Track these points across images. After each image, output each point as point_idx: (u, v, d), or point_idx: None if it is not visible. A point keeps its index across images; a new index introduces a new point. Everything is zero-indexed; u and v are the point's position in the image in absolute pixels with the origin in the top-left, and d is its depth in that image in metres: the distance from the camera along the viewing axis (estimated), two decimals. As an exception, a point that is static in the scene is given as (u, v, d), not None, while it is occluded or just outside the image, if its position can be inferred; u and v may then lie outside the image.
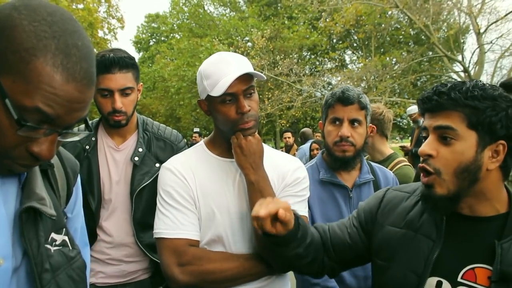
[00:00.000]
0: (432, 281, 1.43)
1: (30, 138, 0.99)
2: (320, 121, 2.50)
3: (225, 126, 1.81)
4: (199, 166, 1.88)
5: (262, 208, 1.46)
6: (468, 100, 1.33)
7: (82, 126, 2.40)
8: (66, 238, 1.24)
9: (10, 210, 1.10)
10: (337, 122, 2.31)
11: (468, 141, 1.34)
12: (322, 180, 2.36)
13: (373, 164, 2.59)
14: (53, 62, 0.93)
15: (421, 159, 1.43)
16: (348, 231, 1.74)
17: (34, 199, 1.12)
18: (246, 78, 1.73)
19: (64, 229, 1.25)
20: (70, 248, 1.25)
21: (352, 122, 2.29)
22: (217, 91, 1.70)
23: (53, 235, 1.19)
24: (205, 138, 2.04)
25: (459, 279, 1.38)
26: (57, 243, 1.20)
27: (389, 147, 3.47)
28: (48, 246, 1.16)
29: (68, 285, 1.18)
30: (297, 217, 1.61)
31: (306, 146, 8.76)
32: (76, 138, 1.12)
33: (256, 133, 1.84)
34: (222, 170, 1.88)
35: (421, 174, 1.45)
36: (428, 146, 1.40)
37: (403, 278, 1.48)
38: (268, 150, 2.00)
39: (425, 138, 1.44)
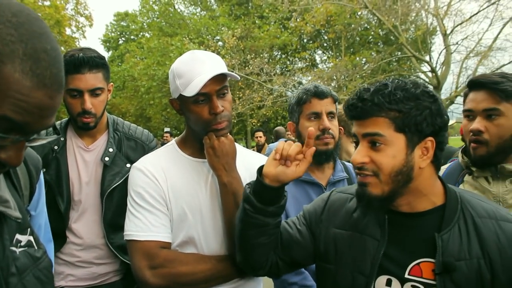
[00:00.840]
0: (382, 280, 1.46)
1: None
2: (290, 122, 2.50)
3: (198, 126, 1.80)
4: (171, 166, 1.85)
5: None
6: (392, 104, 1.35)
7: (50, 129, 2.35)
8: (31, 238, 1.20)
9: None
10: (315, 116, 2.33)
11: (397, 145, 1.37)
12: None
13: (346, 163, 2.62)
14: (21, 68, 0.87)
15: (356, 167, 1.46)
16: (297, 227, 1.72)
17: None
18: (219, 78, 1.72)
19: (28, 229, 1.21)
20: (36, 248, 1.21)
21: (329, 115, 2.34)
22: (190, 91, 1.68)
23: (17, 236, 1.15)
24: (177, 137, 2.01)
25: (406, 276, 1.42)
26: (22, 244, 1.16)
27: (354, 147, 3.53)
28: (13, 249, 1.12)
29: (35, 287, 1.15)
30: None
31: (275, 145, 8.73)
32: (43, 142, 1.07)
33: (228, 133, 1.83)
34: (194, 170, 1.86)
35: (357, 175, 1.47)
36: (359, 154, 1.42)
37: (351, 280, 1.50)
38: (240, 150, 2.00)
39: (356, 143, 1.46)
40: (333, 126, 2.35)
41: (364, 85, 1.44)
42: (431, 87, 1.46)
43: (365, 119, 1.40)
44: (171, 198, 1.80)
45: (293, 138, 4.69)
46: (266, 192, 1.56)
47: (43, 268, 1.20)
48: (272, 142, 9.80)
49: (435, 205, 1.46)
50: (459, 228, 1.40)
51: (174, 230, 1.80)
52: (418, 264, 1.41)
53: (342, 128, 2.63)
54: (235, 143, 1.91)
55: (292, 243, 1.69)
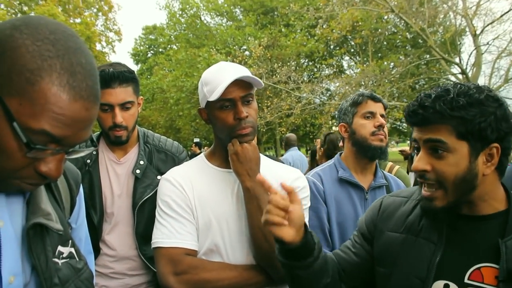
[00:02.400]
0: (439, 285, 1.41)
1: (38, 159, 0.98)
2: (342, 123, 2.59)
3: (223, 132, 1.82)
4: (198, 176, 1.88)
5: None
6: (455, 111, 1.30)
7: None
8: (72, 250, 1.24)
9: (17, 226, 1.10)
10: (370, 116, 2.46)
11: (460, 152, 1.33)
12: (341, 178, 2.45)
13: (384, 171, 2.68)
14: (59, 82, 0.91)
15: (417, 174, 1.42)
16: (352, 250, 1.71)
17: (40, 214, 1.12)
18: (244, 85, 1.75)
19: (70, 241, 1.25)
20: (77, 259, 1.25)
21: (382, 117, 2.48)
22: (214, 95, 1.72)
23: (59, 248, 1.19)
24: (206, 151, 2.05)
25: (466, 280, 1.37)
26: (64, 255, 1.20)
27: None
28: (56, 260, 1.16)
29: None
30: (311, 233, 1.53)
31: (290, 155, 7.92)
32: (82, 154, 1.11)
33: (254, 141, 1.85)
34: (221, 180, 1.88)
35: (422, 188, 1.43)
36: (421, 161, 1.39)
37: (407, 283, 1.46)
38: (267, 160, 2.01)
39: (417, 149, 1.43)
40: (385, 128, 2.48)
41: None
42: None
43: (426, 126, 1.36)
44: (197, 207, 1.82)
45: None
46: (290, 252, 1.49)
47: (84, 279, 1.24)
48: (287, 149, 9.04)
49: (497, 210, 1.41)
50: None
51: (200, 238, 1.82)
52: (479, 268, 1.36)
53: None
54: (262, 154, 1.92)
55: (353, 268, 1.69)
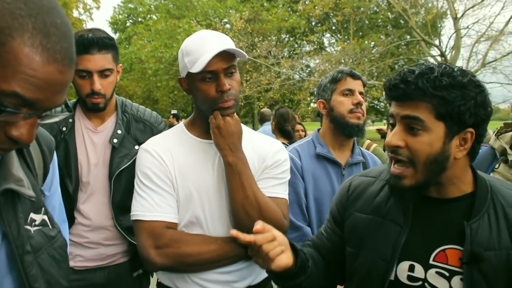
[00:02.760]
0: (404, 266, 1.43)
1: (9, 122, 0.93)
2: (320, 100, 2.58)
3: (204, 104, 1.79)
4: (178, 147, 1.86)
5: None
6: (437, 91, 1.29)
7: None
8: (45, 217, 1.22)
9: None
10: (349, 93, 2.46)
11: (436, 132, 1.32)
12: (319, 154, 2.46)
13: (361, 148, 2.70)
14: (31, 42, 0.86)
15: (389, 149, 1.40)
16: (325, 236, 1.73)
17: (11, 180, 1.09)
18: (227, 56, 1.71)
19: (43, 208, 1.22)
20: (50, 227, 1.22)
21: (360, 94, 2.48)
22: (196, 68, 1.68)
23: (32, 215, 1.16)
24: (185, 119, 2.01)
25: (430, 262, 1.39)
26: (37, 223, 1.18)
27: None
28: (28, 227, 1.14)
29: (50, 265, 1.17)
30: (296, 250, 1.56)
31: (263, 129, 7.90)
32: (56, 119, 1.07)
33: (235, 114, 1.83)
34: (201, 151, 1.86)
35: (391, 164, 1.42)
36: (395, 136, 1.37)
37: (372, 264, 1.48)
38: (249, 132, 2.00)
39: (392, 125, 1.41)
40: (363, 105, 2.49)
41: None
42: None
43: (406, 101, 1.35)
44: (178, 179, 1.80)
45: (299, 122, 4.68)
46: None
47: (57, 247, 1.22)
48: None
49: (464, 192, 1.42)
50: (488, 217, 1.35)
51: (181, 210, 1.81)
52: (443, 250, 1.38)
53: None
54: (243, 125, 1.90)
55: (328, 253, 1.71)
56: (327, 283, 1.73)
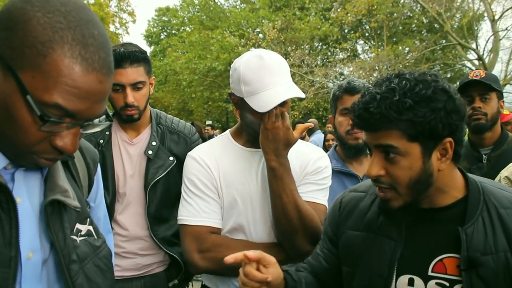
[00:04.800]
0: (403, 280, 1.39)
1: (53, 133, 0.98)
2: (330, 116, 2.57)
3: (249, 128, 1.86)
4: (223, 155, 1.91)
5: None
6: (403, 115, 1.23)
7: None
8: (90, 227, 1.25)
9: (35, 203, 1.11)
10: (346, 112, 2.37)
11: (412, 154, 1.27)
12: (333, 169, 2.36)
13: None
14: (71, 53, 0.90)
15: (372, 179, 1.37)
16: (322, 256, 1.67)
17: (57, 191, 1.12)
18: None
19: (88, 219, 1.26)
20: (95, 237, 1.26)
21: None
22: (258, 107, 1.72)
23: (78, 225, 1.20)
24: (231, 128, 2.06)
25: (429, 273, 1.35)
26: (82, 233, 1.21)
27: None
28: (74, 237, 1.17)
29: (96, 274, 1.20)
30: (285, 276, 1.54)
31: (318, 138, 8.40)
32: (98, 129, 1.11)
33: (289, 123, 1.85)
34: (246, 159, 1.90)
35: (376, 189, 1.39)
36: (375, 167, 1.33)
37: (369, 282, 1.44)
38: None
39: (370, 150, 1.37)
40: None
41: (370, 87, 1.31)
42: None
43: (375, 131, 1.30)
44: (223, 186, 1.86)
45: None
46: None
47: (102, 256, 1.25)
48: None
49: (456, 198, 1.37)
50: (483, 220, 1.31)
51: (225, 217, 1.86)
52: (441, 260, 1.34)
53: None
54: None
55: (325, 274, 1.65)
56: None
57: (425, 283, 1.36)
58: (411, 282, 1.38)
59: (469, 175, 1.43)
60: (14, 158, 1.03)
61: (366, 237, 1.49)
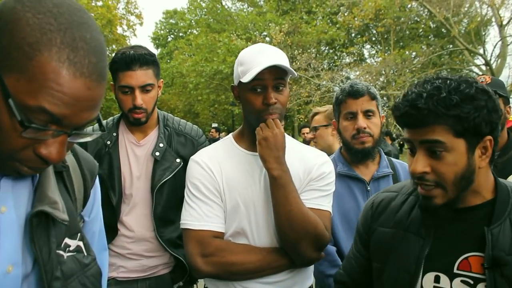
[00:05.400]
0: (430, 277, 1.41)
1: (37, 140, 0.91)
2: (334, 120, 2.52)
3: (250, 115, 1.84)
4: (226, 159, 1.90)
5: None
6: (450, 110, 1.26)
7: (97, 125, 2.44)
8: (81, 243, 1.17)
9: (21, 214, 1.04)
10: (351, 116, 2.33)
11: (458, 150, 1.30)
12: (340, 173, 2.36)
13: (393, 159, 2.58)
14: (58, 57, 0.84)
15: (415, 176, 1.37)
16: (353, 258, 1.73)
17: (46, 202, 1.05)
18: (278, 71, 1.74)
19: (79, 234, 1.18)
20: (85, 254, 1.18)
21: (366, 113, 2.32)
22: (247, 78, 1.72)
23: (66, 240, 1.12)
24: (234, 131, 2.05)
25: (455, 271, 1.37)
26: (71, 248, 1.13)
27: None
28: (61, 252, 1.09)
29: None
30: None
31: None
32: (89, 139, 1.05)
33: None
34: (249, 163, 1.89)
35: (418, 187, 1.40)
36: (420, 163, 1.33)
37: (396, 278, 1.47)
38: (295, 143, 2.02)
39: (411, 150, 1.38)
40: (371, 124, 2.33)
41: (414, 79, 1.34)
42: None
43: (421, 127, 1.31)
44: (226, 190, 1.85)
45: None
46: None
47: (90, 275, 1.17)
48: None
49: (485, 199, 1.39)
50: (510, 222, 1.33)
51: (228, 221, 1.85)
52: (466, 258, 1.36)
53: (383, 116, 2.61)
54: (290, 136, 1.94)
55: (360, 276, 1.70)
56: None
57: (451, 281, 1.37)
58: (437, 279, 1.40)
59: (499, 179, 1.45)
60: None
61: (396, 234, 1.52)
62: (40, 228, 1.04)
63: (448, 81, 1.32)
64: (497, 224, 1.33)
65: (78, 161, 1.29)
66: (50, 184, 1.09)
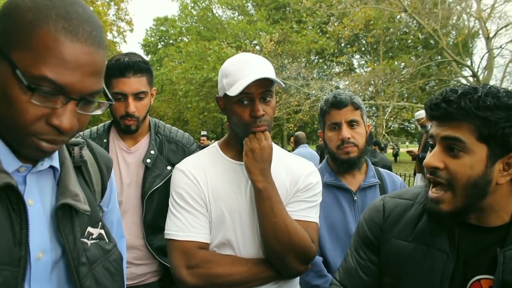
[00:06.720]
0: None
1: (48, 110, 0.99)
2: (319, 130, 2.53)
3: (238, 127, 1.81)
4: (212, 168, 1.87)
5: None
6: (480, 111, 1.21)
7: (94, 128, 2.43)
8: (102, 231, 1.28)
9: (47, 206, 1.14)
10: (336, 127, 2.34)
11: (477, 155, 1.24)
12: (326, 183, 2.34)
13: (380, 169, 2.58)
14: (55, 27, 0.95)
15: (428, 171, 1.33)
16: (360, 268, 1.59)
17: (68, 195, 1.16)
18: (265, 82, 1.72)
19: (100, 223, 1.29)
20: (107, 241, 1.29)
21: (350, 123, 2.32)
22: (233, 91, 1.70)
23: (89, 229, 1.23)
24: (219, 140, 2.03)
25: None
26: (94, 236, 1.24)
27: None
28: (85, 240, 1.20)
29: (105, 277, 1.23)
30: None
31: (299, 152, 7.91)
32: (99, 112, 1.12)
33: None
34: (235, 173, 1.87)
35: (429, 187, 1.35)
36: (434, 157, 1.30)
37: None
38: (282, 152, 2.00)
39: (432, 146, 1.35)
40: (356, 134, 2.32)
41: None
42: None
43: (448, 121, 1.27)
44: (211, 200, 1.82)
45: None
46: None
47: (112, 260, 1.28)
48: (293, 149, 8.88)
49: (504, 221, 1.33)
50: None
51: (213, 231, 1.82)
52: (479, 280, 1.31)
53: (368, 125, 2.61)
54: (276, 145, 1.92)
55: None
56: None
57: None
58: None
59: None
60: (18, 147, 1.05)
61: (416, 249, 1.44)
62: (65, 218, 1.16)
63: (489, 87, 1.28)
64: (511, 247, 1.27)
65: (95, 156, 1.42)
66: (71, 178, 1.21)
